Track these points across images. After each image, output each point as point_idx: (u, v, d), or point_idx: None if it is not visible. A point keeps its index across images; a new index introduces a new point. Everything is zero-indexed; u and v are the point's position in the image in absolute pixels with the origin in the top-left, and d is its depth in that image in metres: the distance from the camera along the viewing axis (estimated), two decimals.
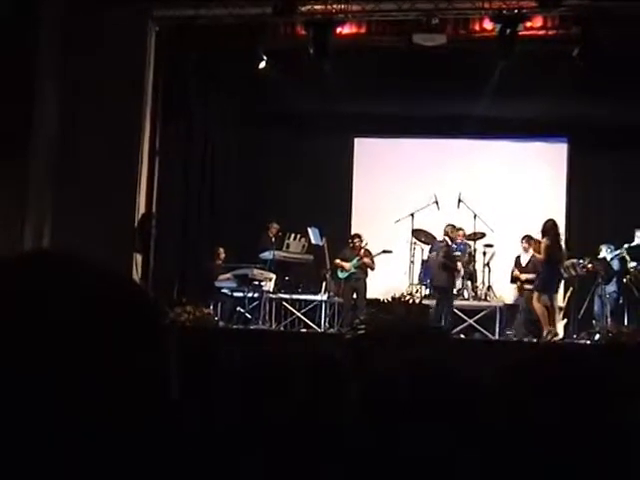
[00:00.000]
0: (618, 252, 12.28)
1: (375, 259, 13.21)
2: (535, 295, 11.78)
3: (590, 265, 12.15)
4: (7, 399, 0.84)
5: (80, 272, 0.93)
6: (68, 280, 0.91)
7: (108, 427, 0.87)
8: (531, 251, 12.57)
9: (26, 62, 10.82)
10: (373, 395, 1.82)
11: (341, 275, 13.08)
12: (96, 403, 0.86)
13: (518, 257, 13.00)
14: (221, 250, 13.54)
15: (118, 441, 0.88)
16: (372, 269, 13.12)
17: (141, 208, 12.01)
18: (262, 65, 12.26)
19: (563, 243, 12.08)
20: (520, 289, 12.80)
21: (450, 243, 12.72)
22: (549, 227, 11.72)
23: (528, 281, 12.50)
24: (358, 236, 13.36)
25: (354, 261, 13.03)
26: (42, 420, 0.84)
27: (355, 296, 12.99)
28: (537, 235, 12.17)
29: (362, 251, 13.15)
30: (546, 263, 11.61)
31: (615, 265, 12.34)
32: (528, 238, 12.71)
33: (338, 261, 13.10)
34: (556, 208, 14.80)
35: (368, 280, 13.13)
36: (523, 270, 12.79)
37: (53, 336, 0.86)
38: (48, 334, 0.86)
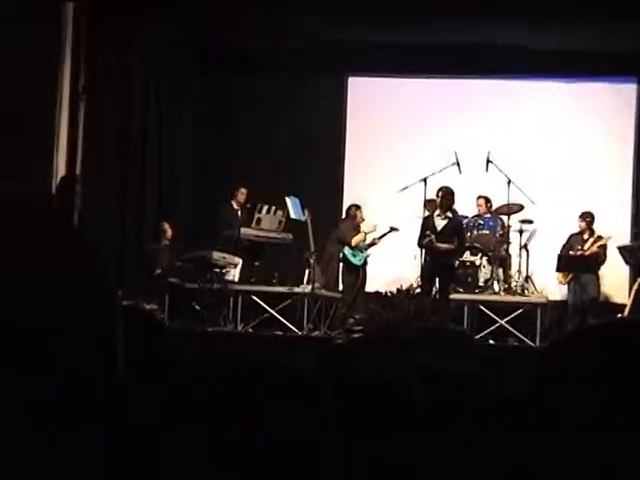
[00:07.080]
0: None
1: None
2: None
3: None
4: None
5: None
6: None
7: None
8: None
9: None
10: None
11: (355, 260, 12.17)
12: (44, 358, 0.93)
13: (571, 236, 12.10)
14: (166, 226, 12.48)
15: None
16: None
17: (60, 169, 11.06)
18: None
19: (629, 218, 12.37)
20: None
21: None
22: None
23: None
24: (357, 207, 12.60)
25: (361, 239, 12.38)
26: None
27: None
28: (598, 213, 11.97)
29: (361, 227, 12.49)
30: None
31: None
32: (588, 216, 11.92)
33: (359, 237, 12.15)
34: (619, 172, 13.38)
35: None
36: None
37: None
38: None
